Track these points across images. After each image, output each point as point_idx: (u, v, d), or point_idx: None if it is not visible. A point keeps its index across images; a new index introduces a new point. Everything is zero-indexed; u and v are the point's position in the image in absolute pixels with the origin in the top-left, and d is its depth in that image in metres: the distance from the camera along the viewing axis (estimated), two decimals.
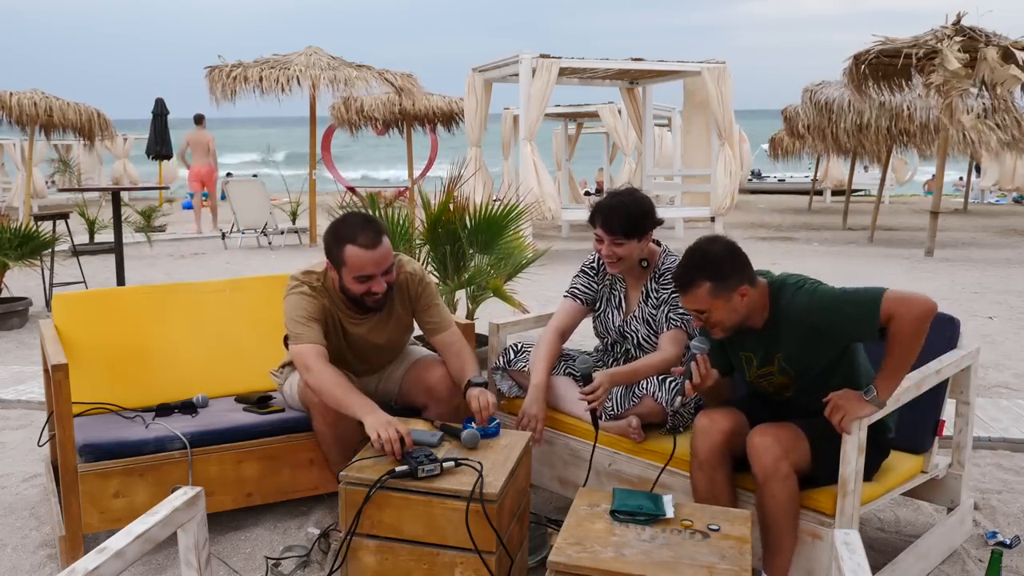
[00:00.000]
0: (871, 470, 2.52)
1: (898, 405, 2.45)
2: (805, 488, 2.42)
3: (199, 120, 13.67)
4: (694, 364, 2.50)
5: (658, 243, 3.08)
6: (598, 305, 3.14)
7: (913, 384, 2.45)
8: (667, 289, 2.98)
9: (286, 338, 2.93)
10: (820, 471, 2.42)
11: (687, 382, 2.51)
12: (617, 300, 3.09)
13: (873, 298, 2.26)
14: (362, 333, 3.00)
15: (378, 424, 2.48)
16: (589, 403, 2.75)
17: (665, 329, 2.97)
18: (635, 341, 3.03)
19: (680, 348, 2.93)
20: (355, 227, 2.78)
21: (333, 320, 2.94)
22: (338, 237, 2.80)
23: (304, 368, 2.75)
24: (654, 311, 3.01)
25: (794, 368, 2.48)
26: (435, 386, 3.01)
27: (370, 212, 4.54)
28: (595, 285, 3.14)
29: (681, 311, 2.95)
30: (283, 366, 3.17)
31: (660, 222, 2.97)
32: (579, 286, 3.15)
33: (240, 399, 3.23)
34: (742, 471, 2.51)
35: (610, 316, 3.09)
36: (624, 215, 2.88)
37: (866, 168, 18.95)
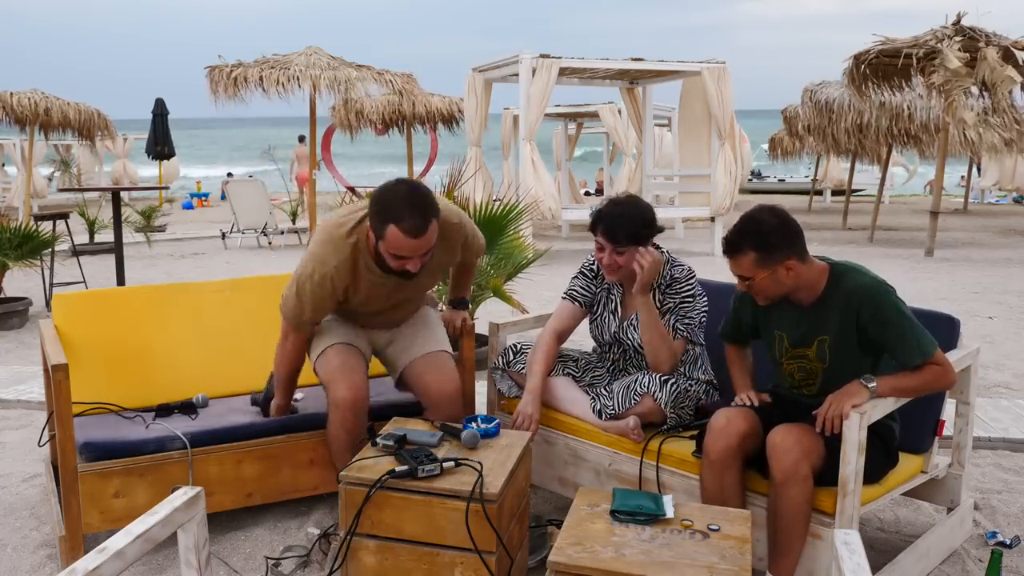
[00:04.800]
0: (878, 475, 2.52)
1: (899, 404, 2.46)
2: None
3: (302, 139, 16.68)
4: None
5: (660, 250, 3.05)
6: (595, 309, 3.13)
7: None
8: (674, 298, 2.97)
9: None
10: (830, 472, 2.41)
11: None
12: (613, 305, 3.07)
13: (930, 342, 2.39)
14: (386, 292, 2.90)
15: (275, 408, 3.03)
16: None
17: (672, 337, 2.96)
18: (632, 347, 3.02)
19: (677, 359, 2.95)
20: (403, 208, 2.56)
21: (357, 271, 2.81)
22: (383, 212, 2.59)
23: (284, 336, 2.94)
24: (659, 318, 2.99)
25: (832, 357, 2.50)
26: (435, 399, 2.96)
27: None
28: (593, 288, 3.12)
29: (687, 321, 2.94)
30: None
31: (661, 230, 2.94)
32: (578, 288, 3.13)
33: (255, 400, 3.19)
34: (748, 470, 2.52)
35: (606, 321, 3.08)
36: (626, 224, 2.86)
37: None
